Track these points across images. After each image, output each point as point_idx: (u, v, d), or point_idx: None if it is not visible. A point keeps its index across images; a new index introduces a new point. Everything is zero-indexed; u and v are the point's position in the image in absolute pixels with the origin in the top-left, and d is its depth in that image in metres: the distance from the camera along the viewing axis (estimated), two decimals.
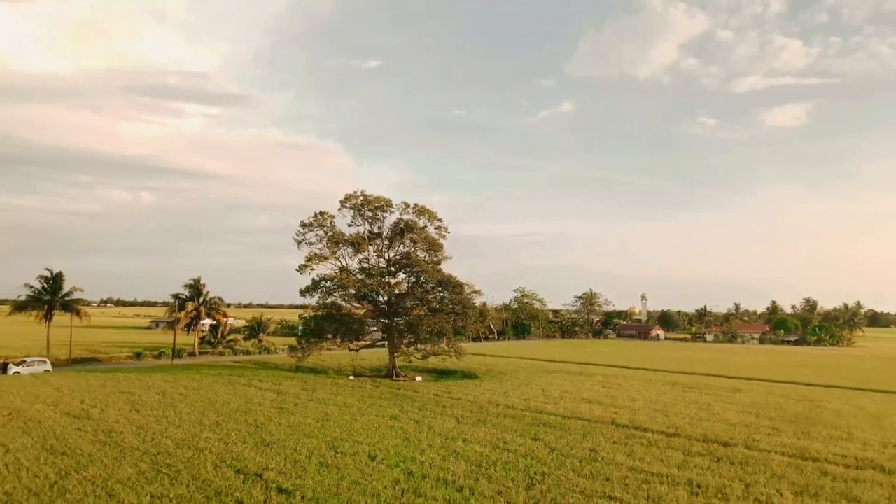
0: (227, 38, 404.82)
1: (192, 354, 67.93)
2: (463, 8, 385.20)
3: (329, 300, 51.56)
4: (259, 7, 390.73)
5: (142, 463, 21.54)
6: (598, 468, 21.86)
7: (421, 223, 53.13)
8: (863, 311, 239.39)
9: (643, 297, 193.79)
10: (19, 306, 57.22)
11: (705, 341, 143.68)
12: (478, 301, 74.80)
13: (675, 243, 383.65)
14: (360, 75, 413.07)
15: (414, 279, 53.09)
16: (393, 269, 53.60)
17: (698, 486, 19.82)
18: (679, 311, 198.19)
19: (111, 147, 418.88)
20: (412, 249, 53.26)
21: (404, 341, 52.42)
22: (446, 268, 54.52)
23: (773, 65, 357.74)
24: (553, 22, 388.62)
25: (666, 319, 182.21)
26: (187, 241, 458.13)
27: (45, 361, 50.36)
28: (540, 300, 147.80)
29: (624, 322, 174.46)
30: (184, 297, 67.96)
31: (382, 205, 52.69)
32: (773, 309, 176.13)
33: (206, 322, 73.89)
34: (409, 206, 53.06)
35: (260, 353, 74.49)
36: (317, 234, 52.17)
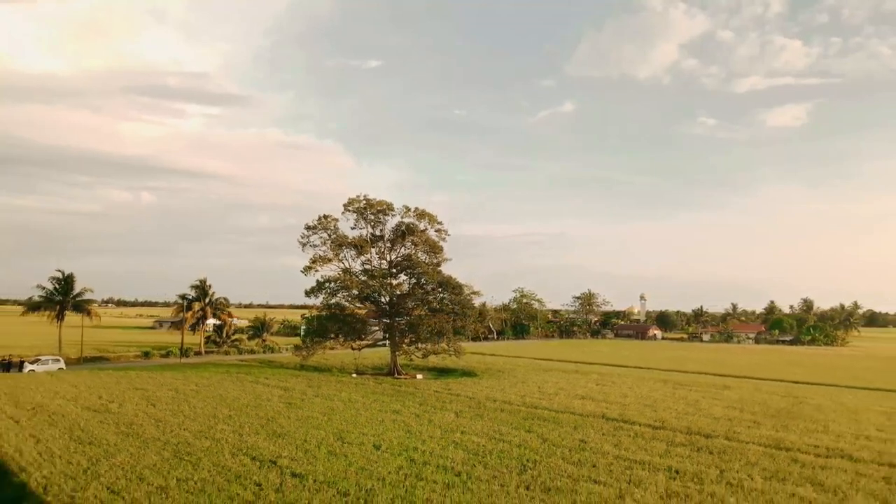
0: (227, 39, 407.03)
1: (198, 353, 69.73)
2: (463, 8, 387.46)
3: (333, 301, 53.34)
4: (259, 7, 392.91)
5: (164, 451, 23.32)
6: (586, 456, 23.64)
7: (422, 226, 54.97)
8: (860, 312, 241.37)
9: (642, 298, 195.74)
10: (33, 307, 59.03)
11: (702, 341, 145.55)
12: (477, 301, 76.69)
13: (675, 243, 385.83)
14: (360, 75, 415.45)
15: (415, 280, 54.88)
16: (394, 270, 55.41)
17: (676, 472, 21.60)
18: (678, 311, 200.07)
19: (111, 147, 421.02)
20: (413, 252, 55.07)
21: (405, 340, 54.20)
22: (446, 269, 56.43)
23: (773, 65, 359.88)
24: (553, 22, 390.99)
25: (664, 319, 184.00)
26: (187, 242, 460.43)
27: (58, 360, 52.16)
28: (538, 300, 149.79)
29: (622, 322, 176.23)
30: (190, 297, 69.79)
31: (384, 208, 54.48)
32: (770, 309, 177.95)
33: (212, 322, 75.67)
34: (410, 209, 54.93)
35: (264, 352, 76.27)
36: (321, 237, 54.01)
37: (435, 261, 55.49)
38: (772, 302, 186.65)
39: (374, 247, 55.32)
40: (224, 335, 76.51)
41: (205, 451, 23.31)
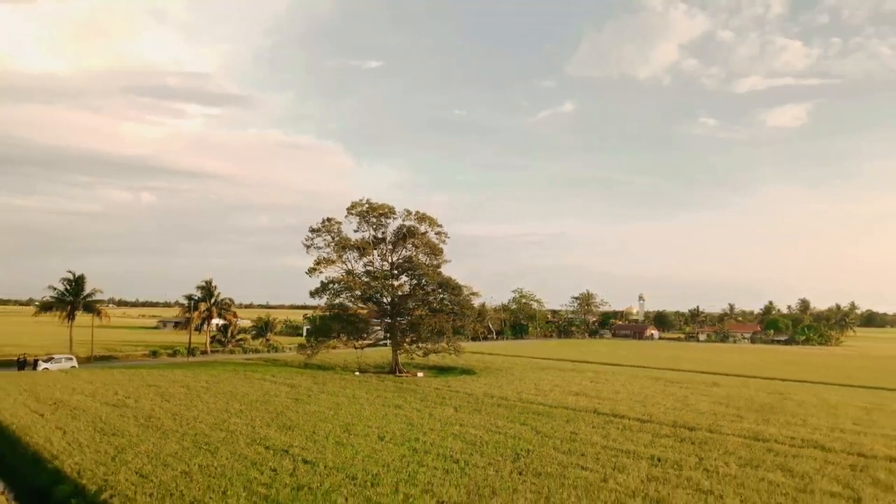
0: (227, 39, 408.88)
1: (204, 353, 71.44)
2: (463, 8, 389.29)
3: (336, 301, 55.10)
4: (259, 7, 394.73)
5: (184, 441, 25.10)
6: (576, 446, 25.41)
7: (422, 229, 56.73)
8: (858, 312, 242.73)
9: (640, 298, 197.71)
10: (45, 307, 60.77)
11: (698, 341, 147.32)
12: (476, 302, 78.48)
13: (675, 244, 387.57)
14: (360, 75, 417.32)
15: (416, 281, 56.66)
16: (396, 272, 57.18)
17: (658, 460, 23.36)
18: (677, 312, 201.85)
19: (111, 147, 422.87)
20: (414, 254, 56.84)
21: (407, 340, 55.95)
22: (446, 270, 58.20)
23: (773, 65, 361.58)
24: (553, 22, 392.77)
25: (661, 319, 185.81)
26: (187, 242, 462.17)
27: (71, 358, 53.90)
28: (537, 301, 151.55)
29: (620, 322, 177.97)
30: (196, 297, 71.51)
31: (386, 212, 56.25)
32: (767, 310, 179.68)
33: (216, 322, 77.35)
34: (411, 212, 56.70)
35: (268, 351, 77.98)
36: (324, 240, 55.76)
37: (435, 262, 57.26)
38: (770, 302, 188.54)
39: (376, 249, 57.09)
40: (229, 335, 78.25)
41: (221, 442, 25.09)
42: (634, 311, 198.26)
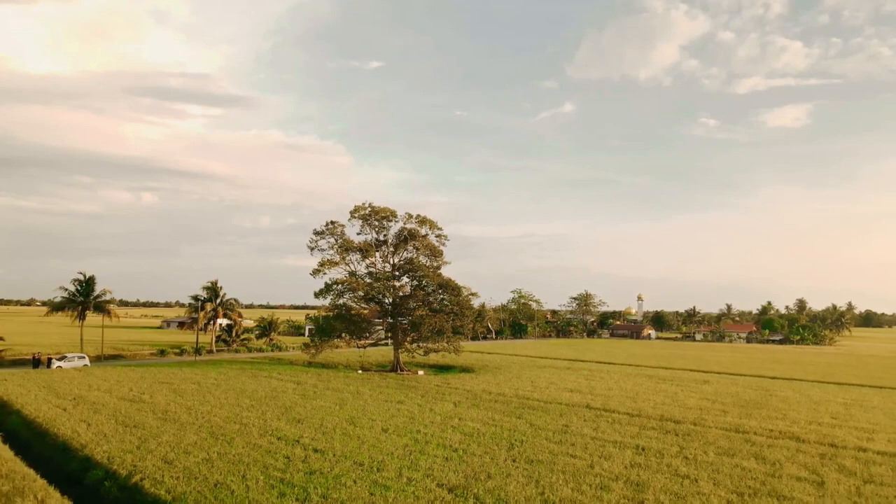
0: (228, 40, 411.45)
1: (210, 352, 73.26)
2: (464, 9, 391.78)
3: (340, 302, 56.95)
4: (260, 9, 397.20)
5: (201, 433, 26.90)
6: (567, 437, 27.24)
7: (423, 232, 58.57)
8: (856, 312, 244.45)
9: (639, 298, 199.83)
10: (56, 307, 62.56)
11: (694, 340, 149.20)
12: (476, 302, 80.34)
13: (675, 244, 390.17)
14: (360, 76, 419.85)
15: (416, 282, 58.52)
16: (397, 273, 59.03)
17: (643, 449, 25.19)
18: (676, 312, 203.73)
19: (113, 148, 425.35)
20: (415, 256, 58.70)
21: (408, 339, 57.78)
22: (446, 272, 60.08)
23: (773, 66, 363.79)
24: (554, 23, 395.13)
25: (659, 320, 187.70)
26: (188, 243, 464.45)
27: (83, 357, 55.71)
28: (536, 301, 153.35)
29: (618, 322, 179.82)
30: (202, 297, 73.32)
31: (388, 215, 58.09)
32: (764, 310, 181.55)
33: (221, 322, 79.14)
34: (412, 216, 58.58)
35: (272, 350, 79.79)
36: (328, 242, 57.64)
37: (435, 264, 59.11)
38: (769, 303, 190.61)
39: (378, 251, 58.92)
40: (234, 334, 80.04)
41: (236, 433, 26.90)
42: (633, 311, 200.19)
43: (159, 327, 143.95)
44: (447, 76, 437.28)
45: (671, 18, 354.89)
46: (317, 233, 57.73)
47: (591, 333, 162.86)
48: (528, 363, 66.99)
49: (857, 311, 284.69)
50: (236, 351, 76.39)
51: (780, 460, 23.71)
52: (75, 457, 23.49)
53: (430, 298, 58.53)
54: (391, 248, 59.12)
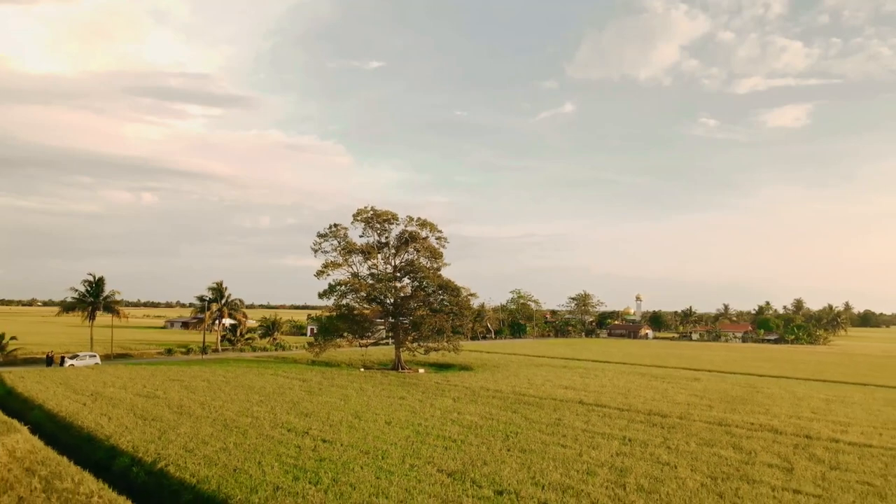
0: (228, 40, 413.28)
1: (215, 351, 75.04)
2: (464, 9, 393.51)
3: (343, 302, 58.78)
4: (260, 9, 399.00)
5: (215, 425, 28.70)
6: (559, 429, 29.05)
7: (423, 234, 60.41)
8: (854, 312, 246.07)
9: (638, 298, 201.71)
10: (67, 307, 64.29)
11: (691, 340, 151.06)
12: (475, 303, 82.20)
13: (675, 244, 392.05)
14: (361, 76, 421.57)
15: (417, 283, 60.37)
16: (399, 274, 60.87)
17: (629, 440, 27.00)
18: (675, 312, 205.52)
19: (113, 148, 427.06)
20: (416, 257, 60.53)
21: (409, 338, 59.59)
22: (446, 273, 61.91)
23: (773, 66, 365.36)
24: (554, 23, 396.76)
25: (657, 319, 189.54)
26: (188, 243, 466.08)
27: (94, 356, 57.48)
28: (535, 301, 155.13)
29: (617, 322, 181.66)
30: (208, 298, 75.12)
31: (389, 218, 59.92)
32: (761, 310, 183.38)
33: (226, 322, 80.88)
34: (413, 219, 60.45)
35: (275, 349, 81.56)
36: (332, 244, 59.47)
37: (435, 265, 60.94)
38: (767, 303, 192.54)
39: (380, 253, 60.74)
40: (238, 334, 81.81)
41: (248, 425, 28.71)
42: (632, 311, 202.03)
43: (163, 327, 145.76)
44: (447, 76, 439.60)
45: (671, 18, 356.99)
46: (320, 235, 59.58)
47: (589, 333, 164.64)
48: (526, 362, 68.77)
49: (855, 311, 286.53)
50: (241, 350, 78.16)
51: (755, 450, 25.52)
52: (101, 446, 25.29)
53: (431, 299, 60.34)
54: (392, 250, 60.91)
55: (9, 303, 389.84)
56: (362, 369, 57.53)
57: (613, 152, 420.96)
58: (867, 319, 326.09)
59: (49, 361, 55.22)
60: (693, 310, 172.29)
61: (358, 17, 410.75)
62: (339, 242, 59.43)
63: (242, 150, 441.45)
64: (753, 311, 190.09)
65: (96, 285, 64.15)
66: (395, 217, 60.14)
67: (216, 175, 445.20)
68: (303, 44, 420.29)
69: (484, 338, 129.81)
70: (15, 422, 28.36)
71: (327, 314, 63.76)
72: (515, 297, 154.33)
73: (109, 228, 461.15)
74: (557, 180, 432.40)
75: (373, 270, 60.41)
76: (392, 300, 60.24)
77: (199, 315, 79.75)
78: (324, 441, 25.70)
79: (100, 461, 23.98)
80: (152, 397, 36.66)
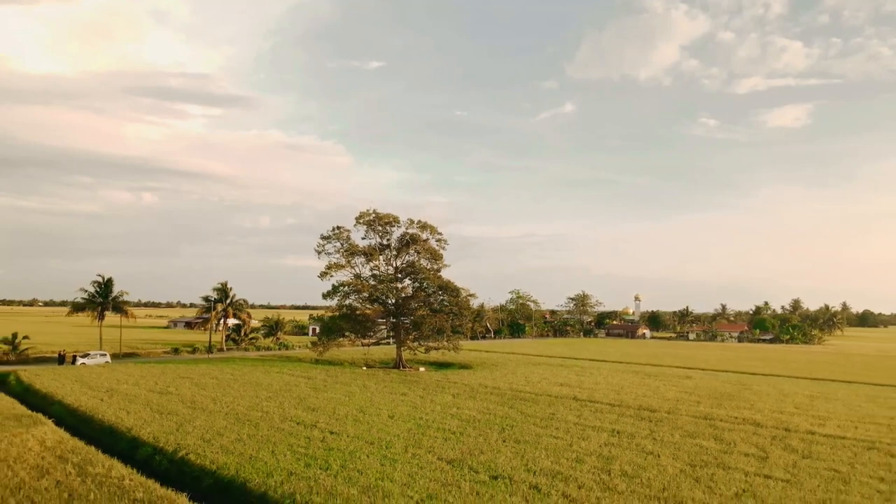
0: (228, 40, 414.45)
1: (220, 350, 76.74)
2: (464, 9, 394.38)
3: (346, 302, 60.54)
4: (260, 9, 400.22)
5: (228, 418, 30.44)
6: (552, 423, 30.79)
7: (424, 236, 62.16)
8: (852, 311, 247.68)
9: (636, 298, 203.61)
10: (77, 307, 66.01)
11: (688, 339, 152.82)
12: (475, 303, 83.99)
13: (675, 244, 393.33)
14: (361, 76, 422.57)
15: (418, 284, 62.14)
16: (400, 275, 62.62)
17: (617, 432, 28.75)
18: (674, 312, 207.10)
19: (113, 148, 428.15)
20: (416, 259, 62.25)
21: (410, 338, 61.35)
22: (446, 274, 63.63)
23: (773, 66, 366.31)
24: (554, 23, 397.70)
25: (655, 319, 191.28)
26: (188, 243, 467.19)
27: (104, 354, 59.20)
28: (534, 301, 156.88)
29: (615, 322, 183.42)
30: (213, 298, 76.84)
31: (391, 220, 61.66)
32: (758, 309, 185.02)
33: (230, 321, 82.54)
34: (413, 221, 62.24)
35: (279, 349, 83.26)
36: (335, 246, 61.20)
37: (436, 267, 62.69)
38: (766, 303, 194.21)
39: (381, 254, 62.49)
40: (242, 334, 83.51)
41: (259, 419, 30.46)
42: (630, 311, 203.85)
43: (166, 327, 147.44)
44: (447, 76, 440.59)
45: (671, 18, 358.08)
46: (324, 237, 61.33)
47: (587, 333, 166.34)
48: (524, 360, 70.50)
49: (853, 311, 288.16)
50: (245, 349, 79.89)
51: (735, 441, 27.27)
52: (124, 437, 27.05)
53: (431, 299, 62.09)
54: (394, 252, 62.64)
55: (10, 303, 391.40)
56: (365, 368, 59.25)
57: (613, 152, 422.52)
58: (865, 319, 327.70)
59: (61, 360, 56.96)
60: (690, 310, 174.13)
61: (358, 17, 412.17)
62: (342, 244, 61.18)
63: (242, 150, 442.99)
64: (751, 312, 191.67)
65: (105, 286, 65.87)
66: (396, 220, 61.89)
67: (216, 175, 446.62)
68: (303, 44, 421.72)
69: (483, 337, 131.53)
70: (40, 415, 30.15)
71: (330, 314, 65.51)
72: (515, 297, 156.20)
73: (109, 228, 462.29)
74: (557, 180, 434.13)
75: (375, 272, 62.14)
76: (393, 301, 61.96)
77: (205, 315, 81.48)
78: (331, 433, 27.44)
79: (123, 451, 25.68)
80: (165, 393, 38.39)
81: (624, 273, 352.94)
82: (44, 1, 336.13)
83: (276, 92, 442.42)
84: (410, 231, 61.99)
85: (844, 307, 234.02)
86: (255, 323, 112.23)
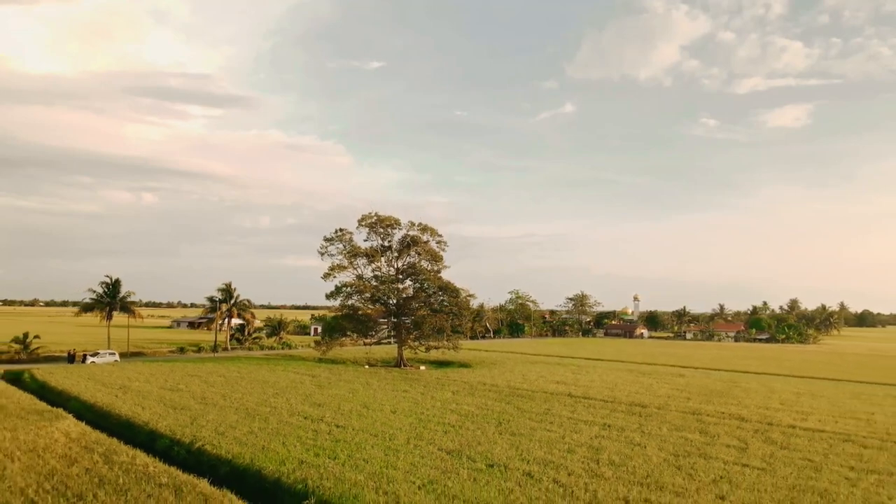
0: (229, 40, 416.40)
1: (225, 349, 78.34)
2: (464, 9, 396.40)
3: (349, 303, 62.18)
4: (260, 9, 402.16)
5: (238, 413, 32.02)
6: (547, 417, 32.39)
7: (424, 238, 63.79)
8: (851, 311, 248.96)
9: (635, 298, 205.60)
10: (86, 308, 67.62)
11: (685, 339, 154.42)
12: (474, 303, 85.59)
13: (675, 244, 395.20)
14: (361, 76, 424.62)
15: (418, 285, 63.78)
16: (401, 276, 64.26)
17: (608, 425, 30.34)
18: (674, 311, 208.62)
19: (113, 148, 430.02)
20: (417, 260, 63.87)
21: (410, 337, 62.97)
22: (445, 275, 65.28)
23: (774, 66, 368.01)
24: (555, 23, 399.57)
25: (653, 319, 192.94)
26: (188, 243, 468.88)
27: (113, 353, 60.83)
28: (533, 301, 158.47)
29: (613, 322, 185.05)
30: (218, 298, 78.43)
31: (392, 223, 63.29)
32: (755, 310, 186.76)
33: (234, 321, 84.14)
34: (414, 224, 63.89)
35: (282, 348, 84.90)
36: (337, 248, 62.85)
37: (436, 268, 64.32)
38: (764, 303, 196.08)
39: (383, 256, 64.13)
40: (246, 333, 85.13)
41: (269, 413, 32.04)
42: (629, 311, 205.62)
43: (169, 327, 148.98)
44: (447, 76, 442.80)
45: (672, 19, 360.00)
46: (327, 239, 62.94)
47: (585, 333, 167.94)
48: (522, 359, 72.10)
49: (852, 311, 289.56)
50: (249, 349, 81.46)
51: (719, 433, 28.87)
52: (142, 430, 28.64)
53: (431, 300, 63.72)
54: (395, 254, 64.25)
55: (11, 303, 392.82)
56: (367, 366, 60.85)
57: (613, 152, 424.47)
58: (864, 319, 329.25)
59: (71, 359, 58.55)
60: (687, 310, 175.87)
61: (358, 17, 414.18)
62: (345, 246, 62.80)
63: (242, 150, 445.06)
64: (748, 312, 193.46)
65: (113, 286, 67.45)
66: (397, 222, 63.51)
67: (216, 175, 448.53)
68: (303, 44, 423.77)
69: (483, 337, 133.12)
70: (60, 410, 31.74)
71: (333, 314, 67.13)
72: (514, 297, 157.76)
73: (109, 228, 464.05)
74: (557, 180, 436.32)
75: (376, 273, 63.75)
76: (395, 301, 63.57)
77: (209, 315, 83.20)
78: (337, 426, 29.04)
79: (142, 443, 27.18)
80: (177, 390, 39.98)
81: (624, 273, 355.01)
82: (44, 1, 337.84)
83: (276, 92, 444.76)
84: (411, 233, 63.63)
85: (842, 307, 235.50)
86: (257, 323, 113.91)
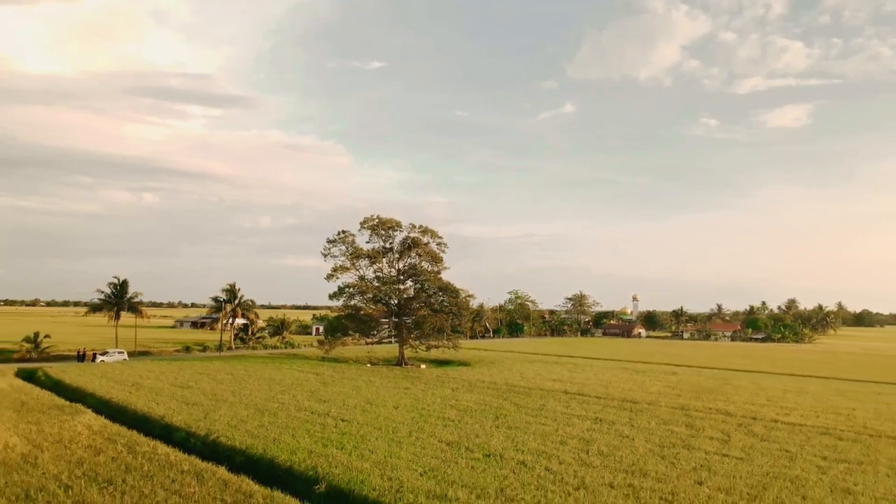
0: (229, 40, 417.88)
1: (230, 349, 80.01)
2: (464, 9, 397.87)
3: (351, 303, 63.85)
4: (261, 9, 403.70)
5: (248, 409, 33.63)
6: (542, 412, 34.01)
7: (425, 240, 65.47)
8: (849, 311, 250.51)
9: (634, 298, 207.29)
10: (95, 308, 69.29)
11: (682, 339, 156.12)
12: (474, 303, 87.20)
13: (675, 244, 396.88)
14: (361, 76, 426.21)
15: (419, 286, 65.47)
16: (402, 277, 65.95)
17: (600, 420, 31.97)
18: (674, 311, 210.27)
19: (113, 148, 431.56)
20: (418, 261, 65.55)
21: (411, 336, 64.64)
22: (446, 276, 66.97)
23: (774, 66, 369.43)
24: (555, 23, 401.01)
25: (651, 319, 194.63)
26: (188, 243, 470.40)
27: (122, 352, 62.49)
28: (532, 301, 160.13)
29: (611, 322, 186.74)
30: (222, 299, 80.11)
31: (393, 225, 64.96)
32: (752, 309, 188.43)
33: (238, 321, 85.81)
34: (415, 226, 65.60)
35: (285, 347, 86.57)
36: (340, 249, 64.50)
37: (436, 269, 66.01)
38: (763, 303, 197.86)
39: (384, 257, 65.79)
40: (250, 333, 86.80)
41: (277, 409, 33.67)
42: (628, 311, 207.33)
43: (172, 327, 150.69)
44: (447, 76, 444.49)
45: (672, 19, 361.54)
46: (330, 241, 64.63)
47: (584, 332, 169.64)
48: (521, 358, 73.76)
49: (850, 311, 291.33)
50: (253, 348, 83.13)
51: (704, 427, 30.50)
52: (158, 424, 30.25)
53: (432, 300, 65.41)
54: (396, 255, 65.92)
55: (12, 303, 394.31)
56: (369, 365, 62.48)
57: (613, 152, 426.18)
58: (862, 319, 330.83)
59: (81, 358, 60.18)
60: (684, 309, 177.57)
61: (358, 17, 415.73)
62: (347, 248, 64.46)
63: (242, 150, 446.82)
64: (745, 312, 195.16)
65: (121, 287, 69.10)
66: (398, 224, 65.17)
67: (216, 175, 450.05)
68: (303, 44, 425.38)
69: (482, 337, 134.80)
70: (79, 405, 33.39)
71: (335, 314, 68.82)
72: (513, 297, 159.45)
73: (109, 228, 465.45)
74: (557, 180, 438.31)
75: (378, 273, 65.43)
76: (396, 301, 65.23)
77: (213, 314, 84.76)
78: (343, 420, 30.67)
79: (159, 436, 28.75)
80: (187, 387, 41.61)
81: (623, 273, 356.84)
82: (44, 1, 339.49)
83: (276, 92, 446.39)
84: (412, 235, 65.30)
85: (840, 307, 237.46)
86: (260, 323, 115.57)
